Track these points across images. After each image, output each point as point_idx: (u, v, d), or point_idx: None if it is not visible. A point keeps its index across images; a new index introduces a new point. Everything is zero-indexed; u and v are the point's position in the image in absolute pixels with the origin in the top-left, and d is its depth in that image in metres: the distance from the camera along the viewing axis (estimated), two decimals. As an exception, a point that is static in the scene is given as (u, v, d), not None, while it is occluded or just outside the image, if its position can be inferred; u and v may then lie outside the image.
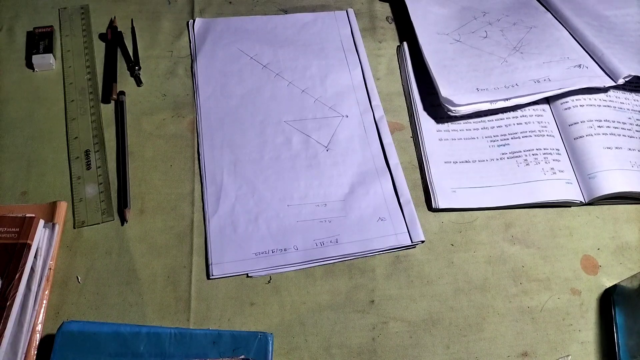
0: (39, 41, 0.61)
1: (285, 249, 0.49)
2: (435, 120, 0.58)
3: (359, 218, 0.52)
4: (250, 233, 0.50)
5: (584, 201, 0.53)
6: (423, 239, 0.50)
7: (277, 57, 0.63)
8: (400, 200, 0.53)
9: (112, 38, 0.63)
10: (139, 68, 0.60)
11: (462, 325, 0.47)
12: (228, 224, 0.50)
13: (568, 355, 0.45)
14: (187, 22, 0.65)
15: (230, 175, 0.53)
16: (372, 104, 0.60)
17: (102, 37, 0.64)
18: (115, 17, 0.65)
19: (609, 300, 0.48)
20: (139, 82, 0.60)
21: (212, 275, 0.47)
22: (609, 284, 0.49)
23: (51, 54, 0.60)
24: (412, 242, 0.50)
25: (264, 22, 0.66)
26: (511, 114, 0.59)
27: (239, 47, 0.63)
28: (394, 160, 0.56)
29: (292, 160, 0.55)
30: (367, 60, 0.63)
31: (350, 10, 0.68)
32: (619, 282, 0.48)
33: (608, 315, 0.47)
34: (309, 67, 0.63)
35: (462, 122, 0.59)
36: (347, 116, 0.59)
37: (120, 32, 0.63)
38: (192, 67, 0.61)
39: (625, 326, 0.45)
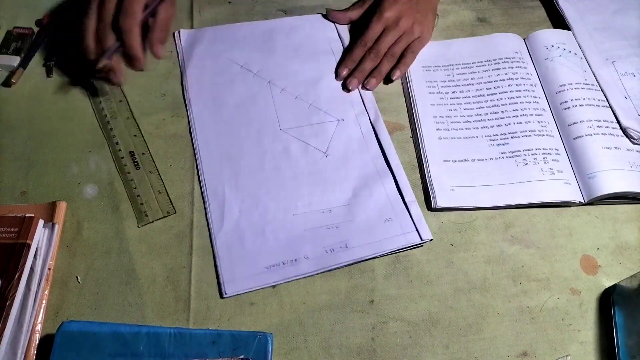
0: (13, 41, 0.61)
1: (295, 259, 0.49)
2: (434, 120, 0.58)
3: (365, 221, 0.51)
4: (259, 246, 0.49)
5: (583, 201, 0.53)
6: (431, 237, 0.50)
7: (267, 64, 0.62)
8: (405, 200, 0.53)
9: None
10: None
11: (462, 325, 0.47)
12: (235, 239, 0.49)
13: (568, 355, 0.45)
14: (173, 34, 0.64)
15: (232, 188, 0.52)
16: (366, 105, 0.59)
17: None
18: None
19: (609, 300, 0.48)
20: None
21: (226, 294, 0.46)
22: (608, 284, 0.49)
23: (18, 57, 0.59)
24: (422, 240, 0.50)
25: (251, 28, 0.65)
26: (511, 113, 0.59)
27: (228, 56, 0.62)
28: (394, 160, 0.55)
29: (292, 169, 0.54)
30: None
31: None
32: (618, 282, 0.48)
33: (608, 315, 0.47)
34: (300, 72, 0.61)
35: (462, 121, 0.59)
36: (343, 119, 0.58)
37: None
38: (181, 80, 0.60)
39: (624, 326, 0.45)
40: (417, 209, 0.52)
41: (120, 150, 0.54)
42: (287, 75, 0.61)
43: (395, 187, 0.54)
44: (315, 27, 0.66)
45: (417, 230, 0.50)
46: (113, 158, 0.54)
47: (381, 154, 0.56)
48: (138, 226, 0.50)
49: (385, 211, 0.52)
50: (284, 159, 0.55)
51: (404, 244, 0.50)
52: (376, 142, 0.57)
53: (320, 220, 0.51)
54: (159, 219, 0.50)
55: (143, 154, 0.54)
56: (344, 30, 0.66)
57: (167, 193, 0.52)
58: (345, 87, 0.61)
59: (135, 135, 0.55)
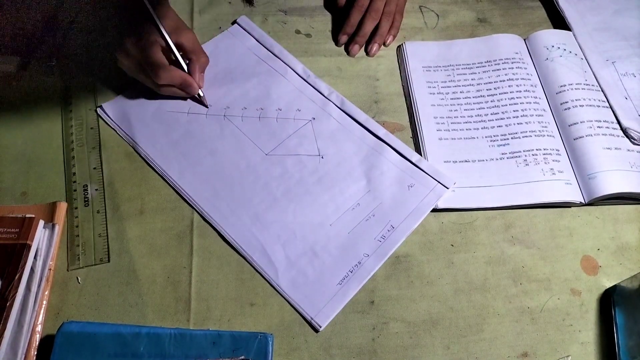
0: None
1: (358, 262, 0.49)
2: (435, 120, 0.58)
3: (392, 197, 0.52)
4: (320, 269, 0.48)
5: (583, 202, 0.53)
6: (455, 181, 0.53)
7: (209, 99, 0.58)
8: (413, 161, 0.54)
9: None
10: None
11: (462, 325, 0.47)
12: (295, 275, 0.48)
13: (568, 356, 0.45)
14: (96, 110, 0.57)
15: (263, 231, 0.50)
16: (325, 94, 0.59)
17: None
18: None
19: (609, 300, 0.48)
20: None
21: (321, 328, 0.46)
22: (609, 285, 0.49)
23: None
24: (447, 188, 0.53)
25: None
26: (512, 113, 0.59)
27: (168, 110, 0.57)
28: (381, 131, 0.56)
29: (300, 184, 0.53)
30: (293, 58, 0.62)
31: (243, 18, 0.65)
32: (618, 283, 0.48)
33: (608, 315, 0.47)
34: (246, 92, 0.59)
35: (462, 121, 0.59)
36: (314, 118, 0.58)
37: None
38: (139, 154, 0.54)
39: (625, 326, 0.45)
40: (427, 163, 0.54)
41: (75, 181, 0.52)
42: (236, 100, 0.58)
43: (397, 154, 0.55)
44: (230, 43, 0.63)
45: (439, 182, 0.53)
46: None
47: (365, 131, 0.57)
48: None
49: (403, 180, 0.53)
50: (287, 179, 0.53)
51: (436, 199, 0.52)
52: (354, 123, 0.57)
53: (356, 217, 0.51)
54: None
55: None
56: (259, 31, 0.64)
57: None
58: (348, 54, 0.64)
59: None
